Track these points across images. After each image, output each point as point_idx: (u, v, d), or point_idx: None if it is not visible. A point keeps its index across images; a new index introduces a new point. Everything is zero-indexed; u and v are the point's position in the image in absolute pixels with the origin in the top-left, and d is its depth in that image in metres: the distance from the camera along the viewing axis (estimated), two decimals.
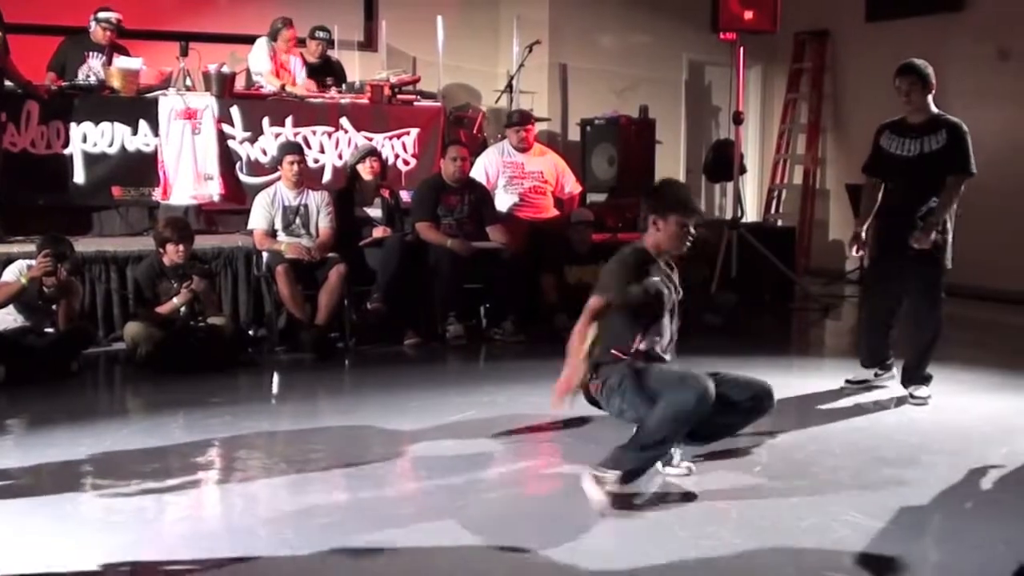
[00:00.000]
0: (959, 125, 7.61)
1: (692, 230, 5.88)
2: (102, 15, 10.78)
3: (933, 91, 7.69)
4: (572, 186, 11.18)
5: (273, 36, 11.55)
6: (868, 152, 8.01)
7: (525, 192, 10.78)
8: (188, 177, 10.34)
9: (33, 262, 8.20)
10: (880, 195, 7.90)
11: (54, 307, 8.32)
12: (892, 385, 7.98)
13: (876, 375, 8.10)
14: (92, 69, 10.72)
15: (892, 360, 8.07)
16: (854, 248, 8.01)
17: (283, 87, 11.14)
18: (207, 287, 8.82)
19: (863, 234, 7.95)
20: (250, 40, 11.72)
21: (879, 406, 7.65)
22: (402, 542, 4.97)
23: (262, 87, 11.28)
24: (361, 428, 6.86)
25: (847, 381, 8.13)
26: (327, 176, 10.93)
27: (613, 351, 5.81)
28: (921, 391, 7.73)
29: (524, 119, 11.10)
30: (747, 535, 5.10)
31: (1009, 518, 5.38)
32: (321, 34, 12.02)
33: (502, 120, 12.34)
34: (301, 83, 11.54)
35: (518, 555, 4.83)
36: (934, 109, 7.71)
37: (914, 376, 7.81)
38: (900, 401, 7.73)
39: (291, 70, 11.61)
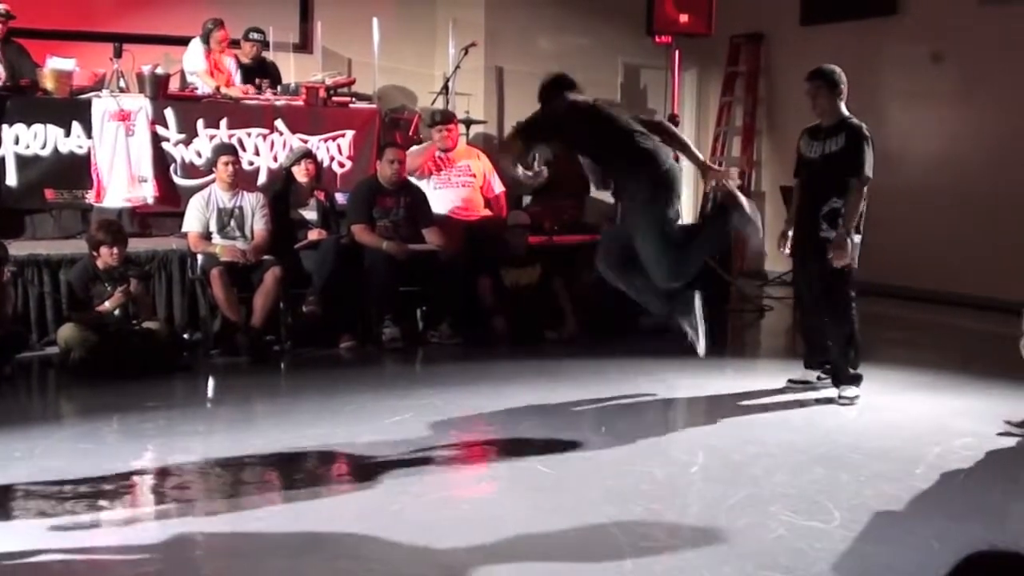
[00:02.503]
0: (859, 128, 7.71)
1: None
2: None
3: (843, 95, 7.79)
4: (498, 186, 11.18)
5: (205, 38, 11.47)
6: None
7: (455, 186, 10.81)
8: (122, 179, 10.23)
9: None
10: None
11: None
12: (778, 376, 8.13)
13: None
14: None
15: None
16: (780, 246, 8.14)
17: (218, 88, 11.07)
18: (142, 290, 8.77)
19: (789, 232, 8.05)
20: (185, 41, 11.62)
21: (815, 407, 7.72)
22: (338, 546, 4.96)
23: (196, 88, 11.21)
24: (297, 431, 6.83)
25: (790, 381, 8.20)
26: (262, 178, 10.85)
27: None
28: (849, 391, 7.81)
29: (446, 118, 11.14)
30: (684, 536, 5.14)
31: (943, 516, 5.44)
32: (255, 35, 11.96)
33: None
34: (237, 93, 11.46)
35: (453, 558, 4.83)
36: (844, 112, 7.81)
37: (841, 376, 7.90)
38: (833, 401, 7.81)
39: (224, 70, 11.53)
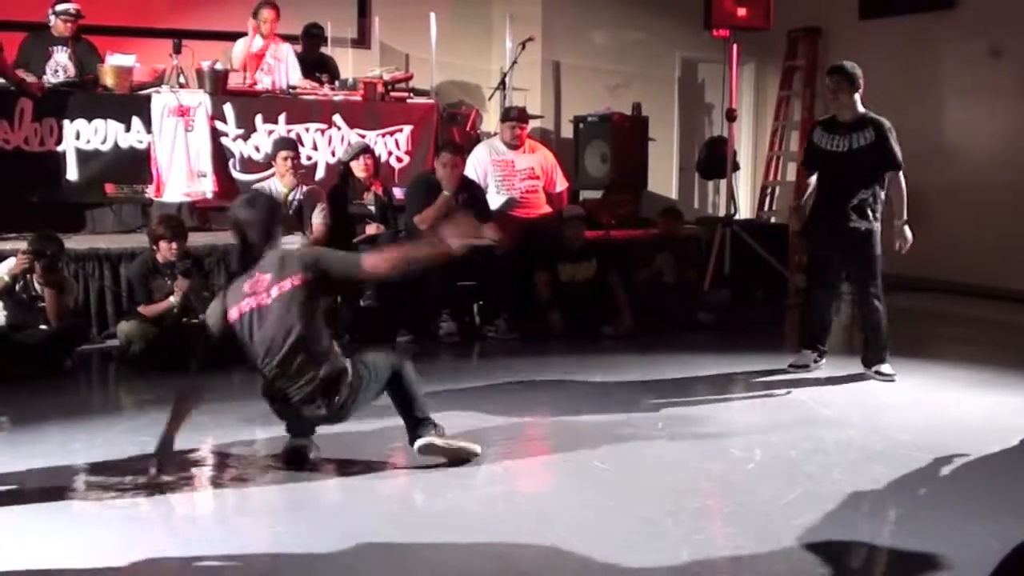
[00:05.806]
0: (883, 123, 8.07)
1: None
2: (60, 8, 10.55)
3: (860, 90, 8.11)
4: (561, 183, 11.18)
5: (254, 14, 11.50)
6: None
7: (518, 192, 10.76)
8: (181, 174, 10.32)
9: None
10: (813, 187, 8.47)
11: (40, 304, 8.32)
12: (835, 372, 8.40)
13: (815, 360, 8.53)
14: (59, 63, 10.54)
15: (826, 348, 8.58)
16: (794, 221, 8.92)
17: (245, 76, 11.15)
18: (198, 285, 8.80)
19: (803, 207, 8.62)
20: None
21: (873, 403, 7.68)
22: (392, 537, 4.98)
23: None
24: (352, 424, 6.85)
25: (790, 365, 8.53)
26: (320, 173, 10.91)
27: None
28: (884, 367, 8.19)
29: (523, 117, 11.12)
30: (740, 533, 5.11)
31: (1002, 514, 5.39)
32: (314, 31, 12.05)
33: (497, 115, 12.34)
34: (297, 79, 11.52)
35: (506, 552, 4.84)
36: (861, 108, 8.14)
37: (872, 355, 8.27)
38: (865, 377, 8.10)
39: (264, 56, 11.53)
